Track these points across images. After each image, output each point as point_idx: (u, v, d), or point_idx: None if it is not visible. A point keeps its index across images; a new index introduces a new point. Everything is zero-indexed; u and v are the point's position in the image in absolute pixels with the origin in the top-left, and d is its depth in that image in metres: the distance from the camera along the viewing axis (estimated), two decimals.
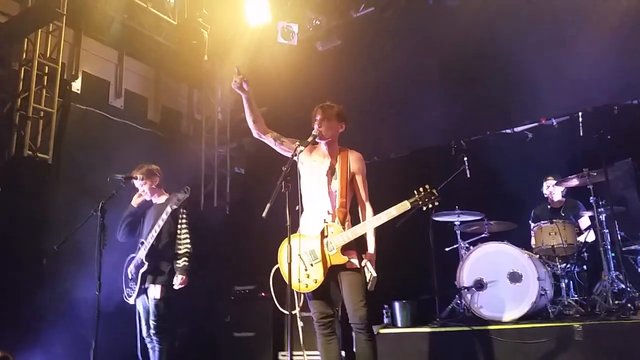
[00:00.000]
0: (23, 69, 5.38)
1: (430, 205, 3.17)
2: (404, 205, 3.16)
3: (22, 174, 5.18)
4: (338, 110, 3.43)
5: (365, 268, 3.22)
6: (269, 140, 3.49)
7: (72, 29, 5.93)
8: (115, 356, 4.58)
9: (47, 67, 5.55)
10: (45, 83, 5.53)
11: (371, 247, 3.31)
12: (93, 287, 3.77)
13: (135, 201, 4.55)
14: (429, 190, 3.18)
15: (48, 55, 5.58)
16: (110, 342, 4.29)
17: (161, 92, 7.18)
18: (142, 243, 4.29)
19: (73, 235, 4.03)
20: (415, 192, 3.19)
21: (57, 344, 4.89)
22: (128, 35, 6.45)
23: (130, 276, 4.37)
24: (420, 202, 3.16)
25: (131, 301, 4.34)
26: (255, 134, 3.51)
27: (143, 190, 4.49)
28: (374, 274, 3.20)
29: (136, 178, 4.40)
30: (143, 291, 4.30)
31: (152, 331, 4.24)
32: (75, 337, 4.79)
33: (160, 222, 4.22)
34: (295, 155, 3.21)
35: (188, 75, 7.51)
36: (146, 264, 4.25)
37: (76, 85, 6.01)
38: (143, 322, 4.35)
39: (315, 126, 3.36)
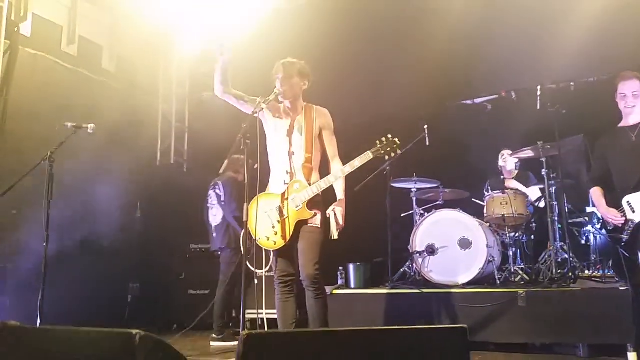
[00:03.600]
0: None
1: (392, 155, 3.19)
2: (367, 156, 3.18)
3: None
4: (300, 67, 3.35)
5: (332, 214, 3.23)
6: (231, 99, 3.40)
7: None
8: (62, 307, 4.48)
9: None
10: None
11: (339, 196, 3.30)
12: (41, 238, 3.64)
13: None
14: (390, 139, 3.20)
15: None
16: (59, 294, 4.20)
17: (117, 41, 6.85)
18: None
19: (19, 184, 3.86)
20: (377, 142, 3.21)
21: (4, 295, 4.75)
22: None
23: None
24: (382, 152, 3.19)
25: None
26: (219, 92, 3.41)
27: None
28: (341, 223, 3.22)
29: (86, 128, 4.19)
30: None
31: None
32: (23, 288, 4.65)
33: None
34: (256, 112, 3.16)
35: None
36: None
37: (25, 28, 5.65)
38: None
39: (277, 84, 3.29)
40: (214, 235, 5.35)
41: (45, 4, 5.89)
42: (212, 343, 4.96)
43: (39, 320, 3.50)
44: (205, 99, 7.48)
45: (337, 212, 3.24)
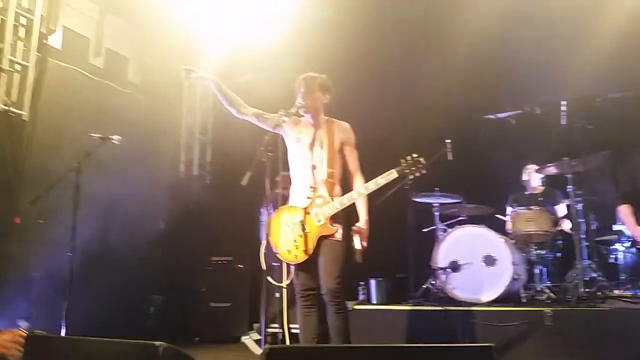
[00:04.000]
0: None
1: (417, 174, 3.17)
2: (391, 174, 3.16)
3: None
4: (321, 81, 3.36)
5: (356, 240, 3.22)
6: (251, 118, 3.44)
7: None
8: (86, 317, 4.51)
9: (24, 19, 5.32)
10: (21, 35, 5.30)
11: (362, 218, 3.29)
12: (66, 248, 3.68)
13: None
14: (415, 158, 3.18)
15: (26, 5, 5.34)
16: (84, 304, 4.23)
17: (143, 53, 6.97)
18: None
19: (47, 194, 3.92)
20: (402, 160, 3.18)
21: (30, 305, 4.80)
22: None
23: None
24: (407, 171, 3.16)
25: None
26: (235, 114, 3.44)
27: None
28: (358, 247, 3.20)
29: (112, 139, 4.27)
30: None
31: None
32: (49, 298, 4.70)
33: None
34: (279, 125, 3.17)
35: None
36: None
37: (55, 41, 5.79)
38: None
39: (299, 98, 3.30)
40: (265, 252, 5.31)
41: (74, 17, 6.02)
42: (245, 339, 4.87)
43: (64, 330, 3.53)
44: (227, 110, 7.56)
45: (361, 235, 3.22)
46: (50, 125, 5.43)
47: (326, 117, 3.43)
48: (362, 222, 3.29)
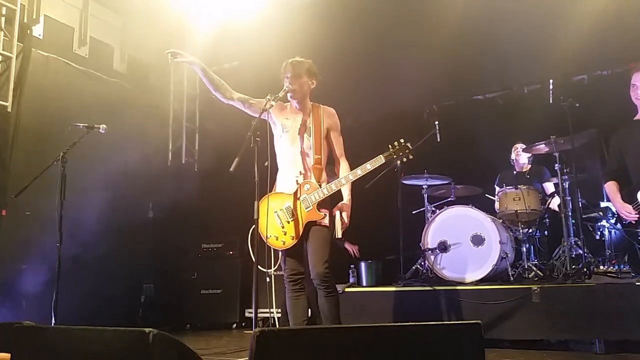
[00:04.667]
0: None
1: (404, 159, 3.19)
2: (379, 160, 3.17)
3: None
4: (308, 65, 3.34)
5: (338, 214, 3.25)
6: (237, 103, 3.40)
7: None
8: (76, 307, 4.52)
9: (4, 9, 5.24)
10: (2, 25, 5.22)
11: (345, 197, 3.31)
12: (54, 238, 3.67)
13: None
14: (402, 144, 3.20)
15: None
16: (73, 294, 4.23)
17: (128, 41, 6.89)
18: None
19: (33, 185, 3.89)
20: (389, 146, 3.20)
21: (18, 297, 4.80)
22: None
23: None
24: (394, 156, 3.18)
25: None
26: (221, 99, 3.41)
27: None
28: (346, 222, 3.25)
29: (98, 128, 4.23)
30: None
31: None
32: (36, 290, 4.70)
33: None
34: (266, 110, 3.15)
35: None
36: None
37: (37, 30, 5.70)
38: None
39: (286, 83, 3.28)
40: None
41: (56, 6, 5.94)
42: None
43: (53, 320, 3.54)
44: (214, 98, 7.50)
45: (343, 213, 3.26)
46: (35, 116, 5.38)
47: (312, 103, 3.42)
48: (346, 200, 3.31)
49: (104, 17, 6.55)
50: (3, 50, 5.21)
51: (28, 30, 5.56)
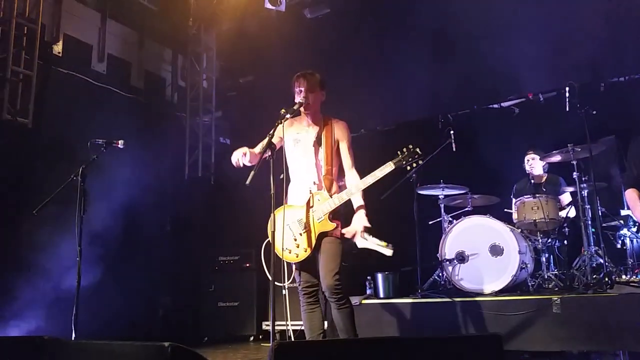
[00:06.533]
0: (0, 28, 5.19)
1: (414, 165, 3.16)
2: (388, 166, 3.15)
3: (0, 138, 5.05)
4: (320, 78, 3.36)
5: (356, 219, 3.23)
6: (267, 154, 3.27)
7: None
8: (95, 321, 4.56)
9: (26, 28, 5.37)
10: (24, 44, 5.35)
11: (357, 203, 3.28)
12: (74, 253, 3.72)
13: None
14: (412, 149, 3.17)
15: (27, 15, 5.39)
16: (92, 308, 4.27)
17: (145, 57, 7.01)
18: None
19: (52, 200, 3.95)
20: (398, 152, 3.18)
21: (38, 311, 4.86)
22: None
23: None
24: (404, 162, 3.15)
25: None
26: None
27: None
28: (367, 224, 3.22)
29: (117, 144, 4.30)
30: None
31: None
32: (56, 304, 4.75)
33: None
34: (281, 122, 3.17)
35: (172, 40, 7.35)
36: None
37: (57, 48, 5.84)
38: None
39: (300, 96, 3.29)
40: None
41: (76, 24, 6.08)
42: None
43: (73, 334, 3.57)
44: (229, 112, 7.58)
45: (360, 220, 3.24)
46: (55, 132, 5.49)
47: (322, 115, 3.43)
48: (357, 205, 3.27)
49: (121, 33, 6.68)
50: (24, 68, 5.33)
51: (48, 49, 5.70)
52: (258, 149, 3.32)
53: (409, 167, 3.16)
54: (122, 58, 6.69)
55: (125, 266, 5.53)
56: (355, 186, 3.23)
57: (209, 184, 7.44)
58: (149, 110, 6.77)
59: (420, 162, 3.17)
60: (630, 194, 3.91)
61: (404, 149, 3.18)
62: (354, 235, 3.26)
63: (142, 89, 6.90)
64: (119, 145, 4.32)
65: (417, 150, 3.17)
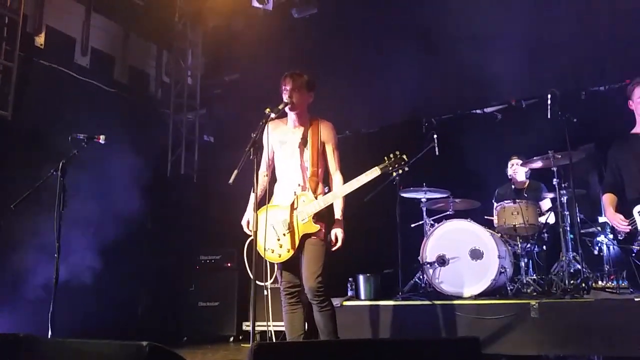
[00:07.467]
0: None
1: (400, 171, 3.18)
2: (374, 171, 3.17)
3: None
4: (307, 79, 3.35)
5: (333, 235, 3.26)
6: (269, 170, 3.41)
7: None
8: (73, 319, 4.49)
9: (7, 18, 5.27)
10: (4, 35, 5.25)
11: (338, 212, 3.30)
12: (52, 250, 3.66)
13: None
14: (398, 155, 3.19)
15: (8, 4, 5.29)
16: (70, 305, 4.20)
17: (129, 52, 6.93)
18: None
19: (31, 195, 3.88)
20: (385, 158, 3.19)
21: (15, 308, 4.77)
22: None
23: None
24: (390, 168, 3.17)
25: None
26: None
27: None
28: (339, 244, 3.25)
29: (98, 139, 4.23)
30: None
31: None
32: (33, 301, 4.67)
33: None
34: (266, 122, 3.16)
35: (158, 35, 7.27)
36: None
37: (39, 40, 5.74)
38: None
39: (286, 95, 3.29)
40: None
41: (59, 16, 5.98)
42: None
43: (50, 332, 3.51)
44: (214, 110, 7.53)
45: (337, 235, 3.25)
46: (35, 126, 5.39)
47: (309, 116, 3.43)
48: (338, 216, 3.29)
49: (105, 27, 6.59)
50: (4, 59, 5.23)
51: (30, 41, 5.59)
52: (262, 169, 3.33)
53: (394, 173, 3.18)
54: (106, 52, 6.60)
55: (105, 264, 5.46)
56: (341, 189, 3.24)
57: (192, 182, 7.38)
58: (132, 105, 6.68)
59: (406, 169, 3.20)
60: (605, 198, 3.97)
61: (391, 155, 3.19)
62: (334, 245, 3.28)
63: (125, 84, 6.81)
64: (101, 141, 4.24)
65: (404, 157, 3.19)
